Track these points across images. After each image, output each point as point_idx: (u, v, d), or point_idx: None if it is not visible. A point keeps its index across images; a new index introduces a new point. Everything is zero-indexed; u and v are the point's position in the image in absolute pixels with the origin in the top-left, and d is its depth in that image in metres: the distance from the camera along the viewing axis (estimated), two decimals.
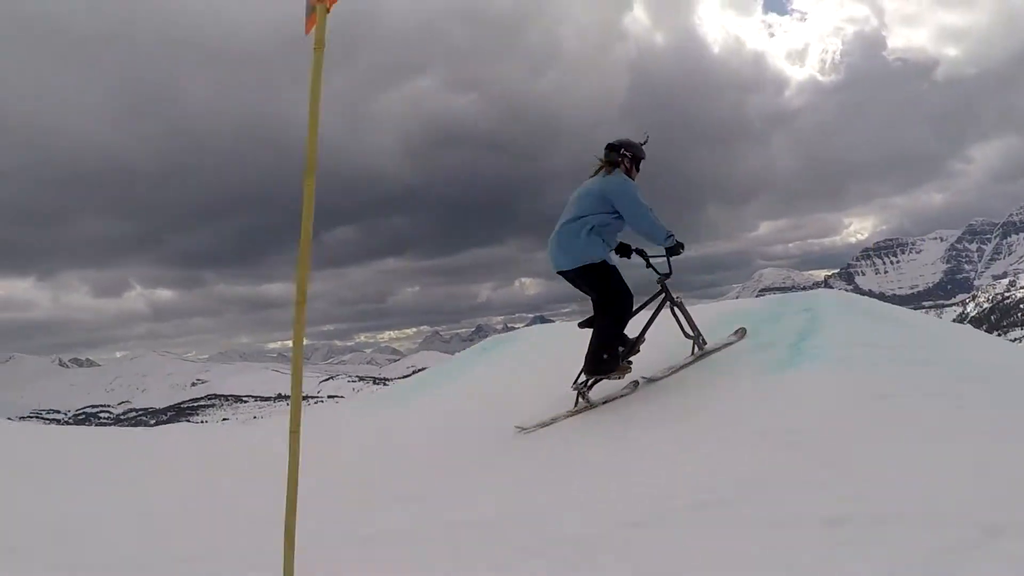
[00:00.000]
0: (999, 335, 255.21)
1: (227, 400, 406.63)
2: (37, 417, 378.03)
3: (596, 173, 6.72)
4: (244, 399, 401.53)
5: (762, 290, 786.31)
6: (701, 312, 7.72)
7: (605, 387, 6.89)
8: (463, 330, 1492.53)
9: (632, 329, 6.79)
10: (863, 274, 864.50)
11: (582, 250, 6.40)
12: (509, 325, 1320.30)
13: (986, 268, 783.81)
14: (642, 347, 6.80)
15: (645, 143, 6.88)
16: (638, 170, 6.80)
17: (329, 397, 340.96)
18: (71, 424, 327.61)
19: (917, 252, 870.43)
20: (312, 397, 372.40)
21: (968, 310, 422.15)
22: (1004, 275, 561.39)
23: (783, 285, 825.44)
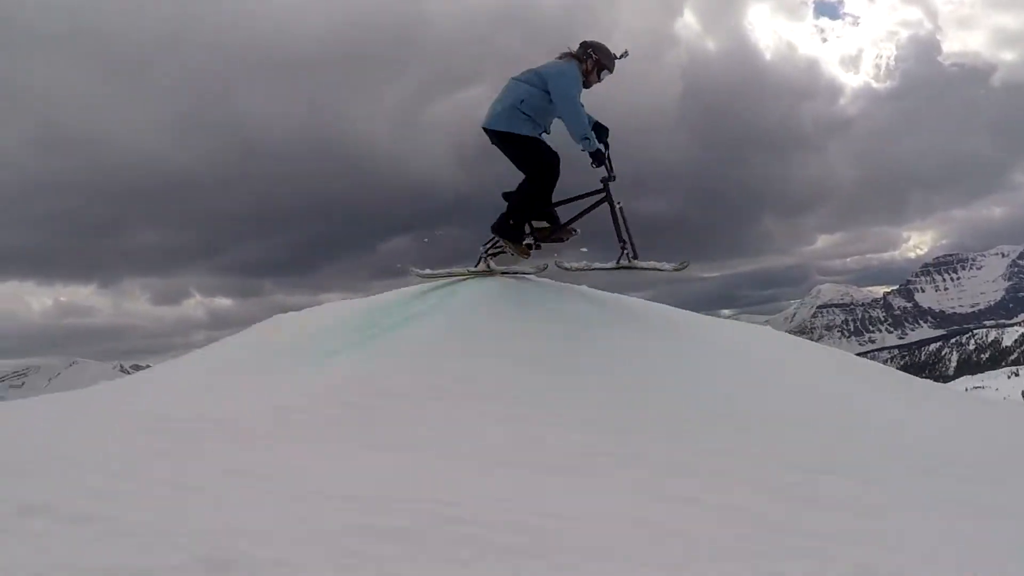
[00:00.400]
0: None
1: None
2: None
3: (558, 60, 6.91)
4: None
5: (820, 306, 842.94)
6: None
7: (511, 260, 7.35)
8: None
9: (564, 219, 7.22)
10: (923, 291, 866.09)
11: (504, 121, 6.72)
12: None
13: None
14: (570, 240, 7.21)
15: (620, 57, 7.00)
16: (599, 78, 6.95)
17: None
18: None
19: (978, 268, 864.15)
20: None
21: None
22: None
23: (842, 301, 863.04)
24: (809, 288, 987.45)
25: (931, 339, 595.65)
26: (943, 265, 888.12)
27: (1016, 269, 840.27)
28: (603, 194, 7.02)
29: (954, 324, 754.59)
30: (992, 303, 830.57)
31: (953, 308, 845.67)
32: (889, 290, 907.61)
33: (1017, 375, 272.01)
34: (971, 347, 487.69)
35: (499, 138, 6.76)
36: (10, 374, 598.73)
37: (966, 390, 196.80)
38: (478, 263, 7.16)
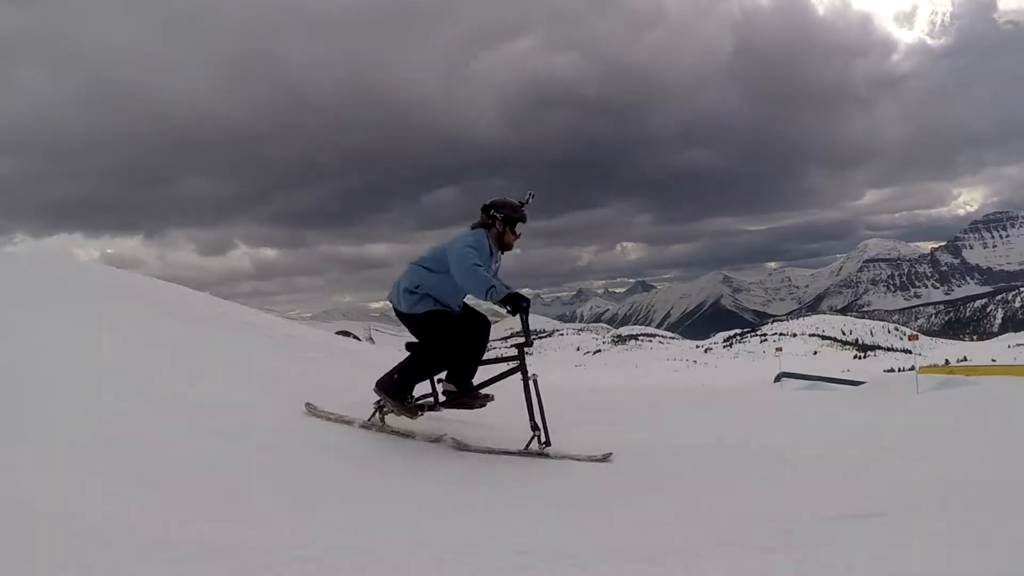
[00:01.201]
0: None
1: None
2: None
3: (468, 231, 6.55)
4: None
5: (867, 260, 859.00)
6: None
7: (410, 421, 6.57)
8: (564, 293, 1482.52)
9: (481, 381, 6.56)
10: (971, 248, 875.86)
11: (405, 304, 6.36)
12: (610, 289, 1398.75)
13: None
14: (485, 407, 6.49)
15: (526, 203, 6.68)
16: (515, 233, 6.58)
17: None
18: None
19: None
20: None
21: None
22: None
23: (889, 256, 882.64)
24: (856, 243, 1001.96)
25: (977, 295, 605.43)
26: (992, 222, 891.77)
27: None
28: (518, 363, 6.51)
29: (1001, 281, 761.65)
30: None
31: (1001, 265, 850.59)
32: (937, 246, 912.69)
33: None
34: (1017, 304, 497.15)
35: (400, 317, 6.53)
36: None
37: (1008, 347, 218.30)
38: (371, 416, 6.53)
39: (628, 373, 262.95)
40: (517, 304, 5.97)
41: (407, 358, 6.48)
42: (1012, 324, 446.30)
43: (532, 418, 6.24)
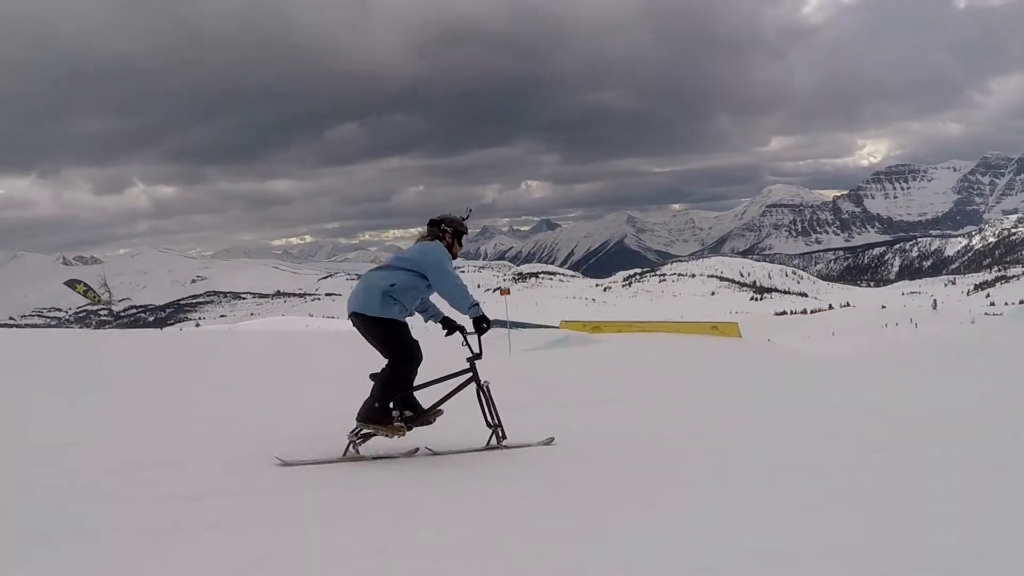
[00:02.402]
0: (999, 270, 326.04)
1: (225, 297, 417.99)
2: (39, 315, 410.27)
3: (419, 240, 7.43)
4: (243, 296, 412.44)
5: (770, 205, 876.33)
6: None
7: (383, 443, 7.21)
8: (470, 232, 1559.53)
9: (430, 400, 7.26)
10: (872, 197, 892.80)
11: (376, 306, 6.87)
12: (515, 227, 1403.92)
13: (997, 202, 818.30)
14: (437, 420, 7.22)
15: (467, 218, 7.67)
16: (460, 244, 7.58)
17: (327, 295, 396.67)
18: (72, 322, 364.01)
19: (929, 180, 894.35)
20: (310, 295, 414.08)
21: (974, 242, 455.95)
22: (1015, 211, 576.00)
23: (792, 202, 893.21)
24: (760, 188, 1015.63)
25: (876, 244, 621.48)
26: (895, 174, 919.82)
27: (966, 184, 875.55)
28: (470, 375, 7.45)
29: (900, 231, 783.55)
30: (940, 214, 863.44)
31: (901, 216, 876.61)
32: (840, 194, 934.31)
33: (954, 283, 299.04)
34: (914, 254, 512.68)
35: (367, 324, 7.03)
36: None
37: (903, 294, 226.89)
38: (345, 452, 7.05)
39: (527, 312, 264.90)
40: (487, 324, 7.12)
41: (378, 383, 7.06)
42: (908, 272, 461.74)
43: (487, 418, 7.43)
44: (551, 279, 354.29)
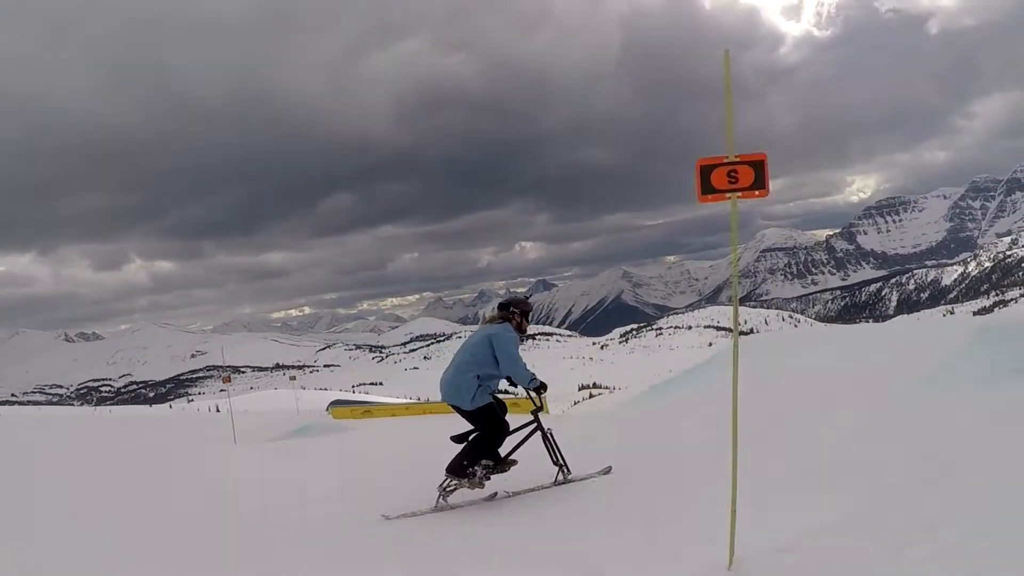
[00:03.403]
0: (998, 294, 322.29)
1: (226, 371, 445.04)
2: (40, 392, 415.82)
3: (490, 322, 8.55)
4: (242, 369, 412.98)
5: (764, 250, 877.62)
6: None
7: (467, 493, 8.40)
8: (465, 295, 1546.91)
9: (504, 449, 8.46)
10: (865, 233, 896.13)
11: (474, 399, 8.00)
12: (511, 289, 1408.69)
13: (990, 226, 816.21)
14: (512, 469, 8.38)
15: (529, 297, 8.80)
16: (528, 321, 8.63)
17: (325, 366, 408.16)
18: (73, 398, 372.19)
19: (920, 210, 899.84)
20: (309, 366, 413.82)
21: (969, 269, 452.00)
22: (1008, 233, 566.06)
23: (785, 245, 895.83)
24: (753, 233, 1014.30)
25: (872, 280, 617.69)
26: (885, 208, 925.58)
27: (957, 210, 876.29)
28: (535, 425, 8.69)
29: (896, 265, 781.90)
30: (934, 244, 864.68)
31: (895, 249, 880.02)
32: (832, 233, 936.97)
33: (952, 312, 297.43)
34: (911, 287, 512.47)
35: (467, 415, 8.24)
36: None
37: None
38: (437, 503, 8.19)
39: None
40: (544, 388, 8.35)
41: (471, 445, 8.29)
42: (906, 306, 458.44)
43: (553, 458, 8.66)
44: (548, 340, 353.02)
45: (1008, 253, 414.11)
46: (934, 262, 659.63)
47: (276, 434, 22.05)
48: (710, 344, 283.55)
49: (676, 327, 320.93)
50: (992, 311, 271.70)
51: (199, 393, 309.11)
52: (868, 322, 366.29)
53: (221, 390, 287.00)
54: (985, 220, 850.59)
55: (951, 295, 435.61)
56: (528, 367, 8.23)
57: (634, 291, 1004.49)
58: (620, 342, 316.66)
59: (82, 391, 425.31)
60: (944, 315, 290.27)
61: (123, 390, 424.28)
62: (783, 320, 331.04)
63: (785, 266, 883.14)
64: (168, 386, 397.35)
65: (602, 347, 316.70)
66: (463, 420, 8.45)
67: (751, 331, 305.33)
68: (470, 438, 8.40)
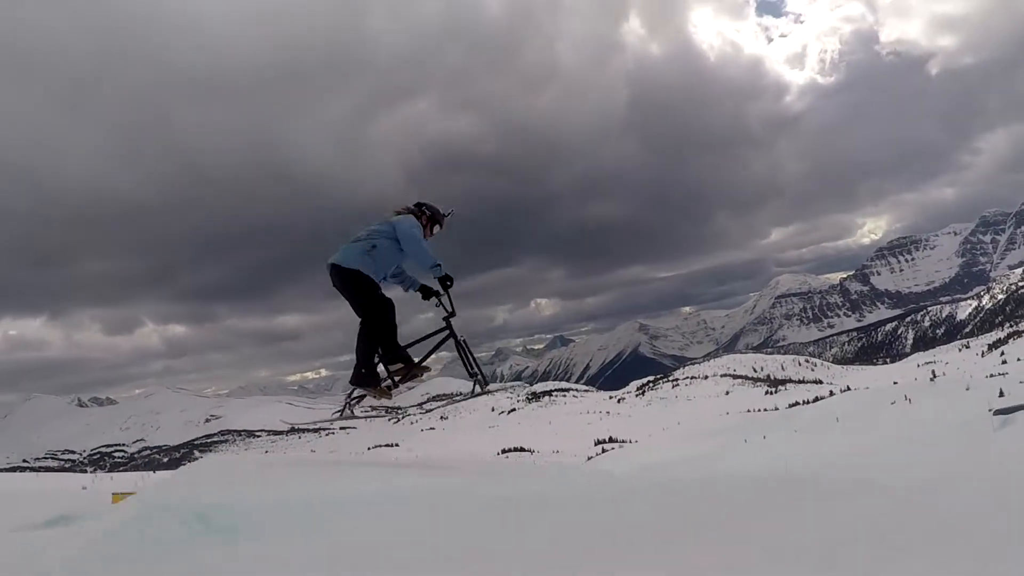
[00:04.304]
0: (1011, 326, 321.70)
1: (239, 435, 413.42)
2: (52, 458, 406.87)
3: (396, 214, 8.48)
4: (256, 434, 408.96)
5: (779, 296, 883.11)
6: None
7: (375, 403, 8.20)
8: (483, 354, 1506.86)
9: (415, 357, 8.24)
10: (878, 274, 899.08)
11: (355, 260, 7.92)
12: (528, 347, 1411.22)
13: (1001, 259, 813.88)
14: (425, 376, 8.36)
15: (448, 215, 8.72)
16: (432, 232, 8.60)
17: (341, 429, 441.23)
18: (86, 464, 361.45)
19: (931, 248, 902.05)
20: (324, 429, 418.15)
21: (984, 303, 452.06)
22: (1020, 264, 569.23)
23: (800, 290, 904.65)
24: (767, 280, 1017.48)
25: (888, 319, 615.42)
26: (897, 247, 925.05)
27: (968, 246, 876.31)
28: (447, 331, 8.37)
29: (911, 303, 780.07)
30: (947, 280, 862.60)
31: (909, 288, 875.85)
32: (846, 275, 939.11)
33: (967, 347, 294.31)
34: (926, 324, 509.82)
35: (343, 276, 8.02)
36: None
37: (917, 366, 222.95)
38: (342, 411, 8.27)
39: (542, 432, 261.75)
40: (450, 281, 8.10)
41: (358, 346, 8.05)
42: (923, 343, 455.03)
43: (469, 368, 8.41)
44: (564, 396, 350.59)
45: (1021, 284, 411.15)
46: (948, 298, 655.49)
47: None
48: (727, 392, 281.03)
49: (692, 377, 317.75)
50: (1007, 342, 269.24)
51: None
52: (885, 363, 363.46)
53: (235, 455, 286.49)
54: (996, 253, 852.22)
55: (966, 329, 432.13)
56: (437, 258, 8.16)
57: (651, 343, 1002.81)
58: (637, 395, 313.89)
59: (95, 456, 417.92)
60: (960, 349, 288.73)
61: (137, 455, 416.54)
62: (799, 364, 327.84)
63: (800, 311, 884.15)
64: (182, 451, 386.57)
65: (619, 400, 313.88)
66: None
67: (768, 377, 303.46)
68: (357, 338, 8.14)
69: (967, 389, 69.44)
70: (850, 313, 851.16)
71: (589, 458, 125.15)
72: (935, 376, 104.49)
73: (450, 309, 8.35)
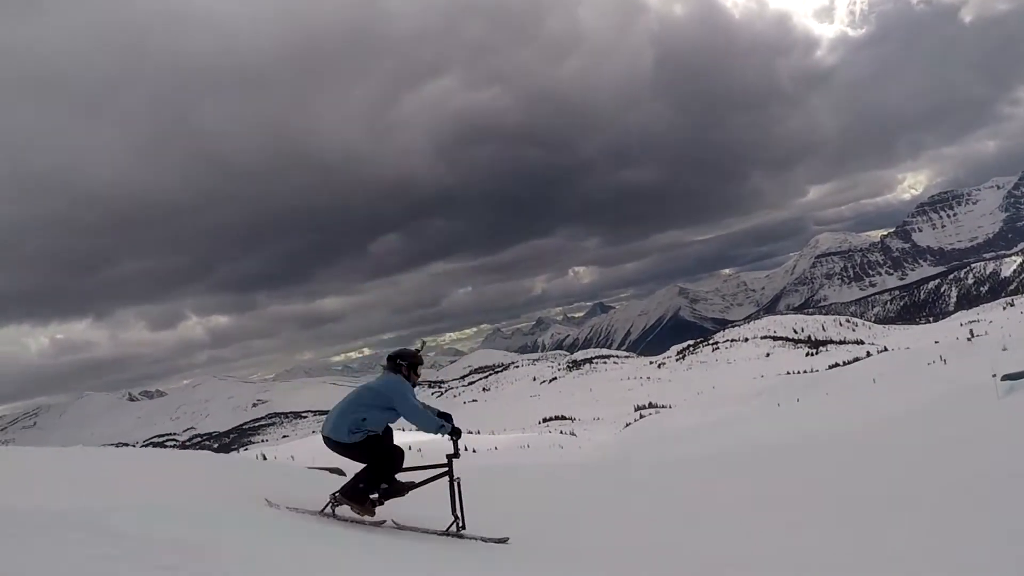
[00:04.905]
0: None
1: (287, 417, 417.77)
2: None
3: (384, 376, 8.79)
4: (303, 415, 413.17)
5: (819, 256, 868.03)
6: None
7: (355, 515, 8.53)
8: (523, 324, 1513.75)
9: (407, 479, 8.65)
10: (920, 230, 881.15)
11: (343, 434, 8.28)
12: (569, 315, 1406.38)
13: None
14: (408, 495, 8.57)
15: (420, 350, 9.07)
16: (417, 374, 8.90)
17: None
18: None
19: (974, 203, 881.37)
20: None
21: None
22: None
23: (840, 249, 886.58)
24: (807, 239, 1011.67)
25: (931, 277, 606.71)
26: (939, 203, 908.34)
27: (1012, 200, 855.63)
28: (447, 469, 8.73)
29: (954, 260, 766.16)
30: (991, 235, 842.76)
31: (952, 244, 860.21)
32: (887, 233, 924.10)
33: (1012, 305, 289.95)
34: (970, 281, 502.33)
35: (335, 448, 8.42)
36: (21, 415, 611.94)
37: (960, 324, 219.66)
38: (324, 508, 8.51)
39: (584, 400, 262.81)
40: (457, 434, 8.67)
41: (364, 471, 8.50)
42: (966, 301, 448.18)
43: (453, 509, 8.60)
44: (605, 363, 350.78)
45: None
46: (992, 254, 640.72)
47: None
48: (767, 355, 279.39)
49: (732, 340, 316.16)
50: None
51: (263, 440, 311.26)
52: (928, 322, 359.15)
53: (284, 436, 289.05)
54: None
55: (1011, 286, 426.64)
56: (441, 421, 8.66)
57: (691, 307, 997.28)
58: (677, 359, 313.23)
59: (147, 447, 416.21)
60: (1004, 307, 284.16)
61: (188, 443, 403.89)
62: (840, 325, 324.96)
63: (842, 270, 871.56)
64: (232, 436, 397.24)
65: (659, 366, 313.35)
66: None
67: (808, 338, 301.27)
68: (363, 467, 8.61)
69: (1004, 350, 69.08)
70: (892, 271, 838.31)
71: (627, 424, 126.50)
72: (972, 336, 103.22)
73: (455, 451, 8.87)
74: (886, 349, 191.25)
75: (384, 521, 8.71)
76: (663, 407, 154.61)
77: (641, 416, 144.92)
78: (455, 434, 8.72)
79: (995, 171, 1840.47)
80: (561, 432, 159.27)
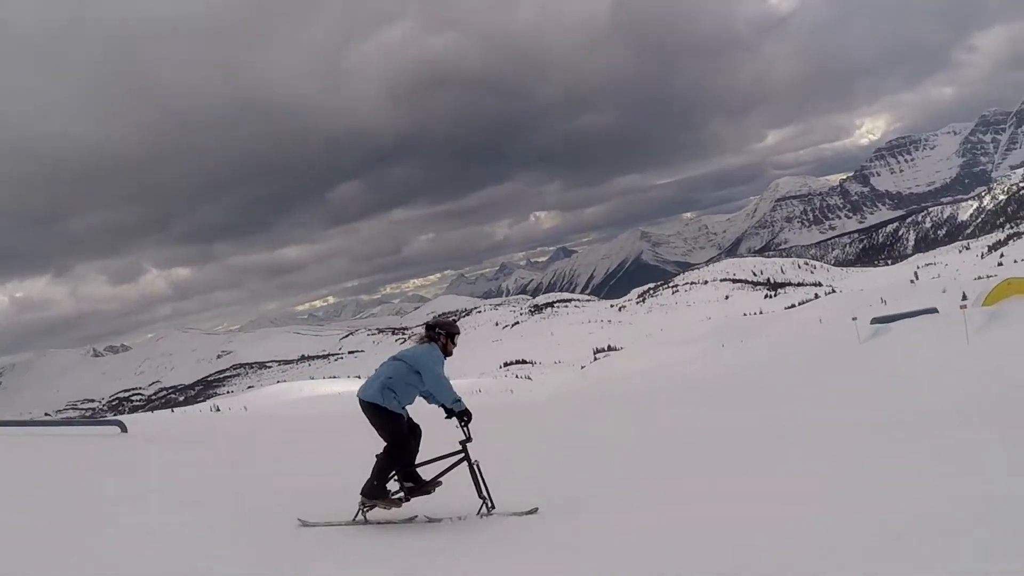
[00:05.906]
0: (1012, 227, 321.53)
1: (251, 368, 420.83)
2: (73, 408, 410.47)
3: (418, 343, 8.89)
4: (268, 365, 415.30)
5: (779, 199, 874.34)
6: None
7: (386, 512, 8.63)
8: (487, 270, 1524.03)
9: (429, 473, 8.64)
10: (878, 175, 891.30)
11: (373, 393, 8.30)
12: (532, 260, 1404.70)
13: (1003, 159, 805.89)
14: (437, 490, 8.56)
15: (456, 321, 9.67)
16: (454, 343, 8.96)
17: (350, 353, 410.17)
18: (105, 410, 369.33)
19: (931, 148, 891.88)
20: (333, 355, 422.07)
21: (985, 203, 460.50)
22: (1021, 164, 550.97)
23: (800, 193, 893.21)
24: (767, 183, 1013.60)
25: (889, 220, 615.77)
26: (896, 148, 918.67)
27: (968, 145, 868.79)
28: (462, 455, 8.71)
29: (912, 204, 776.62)
30: (948, 180, 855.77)
31: (910, 188, 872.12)
32: (846, 176, 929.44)
33: (967, 248, 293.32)
34: (927, 225, 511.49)
35: (365, 408, 8.46)
36: None
37: (917, 268, 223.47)
38: (356, 515, 8.56)
39: (544, 344, 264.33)
40: (469, 416, 8.48)
41: (377, 464, 8.40)
42: (924, 244, 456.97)
43: (479, 492, 8.50)
44: (567, 307, 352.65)
45: (1022, 184, 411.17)
46: (949, 198, 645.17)
47: None
48: (727, 297, 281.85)
49: (692, 283, 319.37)
50: (1007, 244, 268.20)
51: (228, 391, 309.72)
52: (887, 264, 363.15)
53: (249, 387, 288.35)
54: (998, 153, 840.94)
55: (968, 230, 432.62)
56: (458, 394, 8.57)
57: (654, 250, 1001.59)
58: (637, 302, 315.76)
59: (114, 402, 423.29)
60: (960, 251, 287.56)
61: (154, 397, 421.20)
62: (799, 267, 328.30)
63: (801, 213, 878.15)
64: (197, 388, 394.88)
65: (620, 309, 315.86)
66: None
67: (768, 281, 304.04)
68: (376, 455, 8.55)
69: (943, 291, 70.58)
70: (851, 215, 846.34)
71: (582, 367, 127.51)
72: (916, 279, 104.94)
73: (467, 435, 8.69)
74: (833, 291, 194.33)
75: (415, 516, 8.64)
76: (620, 349, 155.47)
77: (596, 359, 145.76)
78: (467, 415, 8.62)
79: (952, 117, 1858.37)
80: (517, 376, 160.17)
